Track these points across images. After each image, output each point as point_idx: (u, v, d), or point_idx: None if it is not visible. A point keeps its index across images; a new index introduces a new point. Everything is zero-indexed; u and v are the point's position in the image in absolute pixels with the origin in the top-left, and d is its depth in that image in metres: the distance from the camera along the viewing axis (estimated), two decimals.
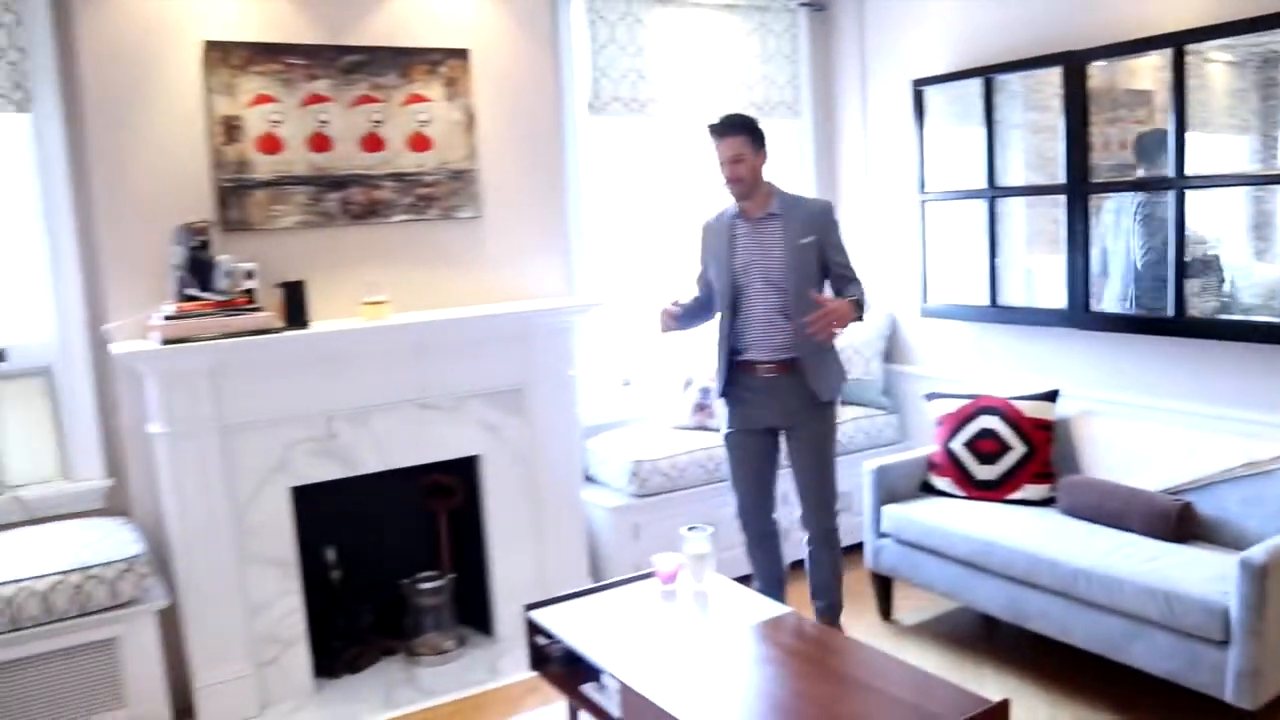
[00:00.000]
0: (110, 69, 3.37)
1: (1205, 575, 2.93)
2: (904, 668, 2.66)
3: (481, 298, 4.05)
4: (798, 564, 3.86)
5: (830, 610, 3.74)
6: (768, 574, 3.76)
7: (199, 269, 3.35)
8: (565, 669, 3.02)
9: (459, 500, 3.96)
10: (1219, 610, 2.80)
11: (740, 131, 3.45)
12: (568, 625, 2.99)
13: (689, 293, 3.72)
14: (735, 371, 3.59)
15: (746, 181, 3.46)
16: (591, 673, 2.89)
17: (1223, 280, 3.64)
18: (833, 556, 3.69)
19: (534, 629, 3.09)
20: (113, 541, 3.26)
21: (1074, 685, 3.39)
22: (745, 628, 2.91)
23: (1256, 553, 2.75)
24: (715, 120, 3.49)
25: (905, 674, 2.61)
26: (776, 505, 3.74)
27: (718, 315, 3.64)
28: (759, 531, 3.72)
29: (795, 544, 3.80)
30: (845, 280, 3.53)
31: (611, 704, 2.76)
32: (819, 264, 3.51)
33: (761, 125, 3.51)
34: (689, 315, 3.61)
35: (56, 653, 3.12)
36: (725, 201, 3.63)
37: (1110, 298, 3.94)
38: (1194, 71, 3.53)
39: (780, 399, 3.54)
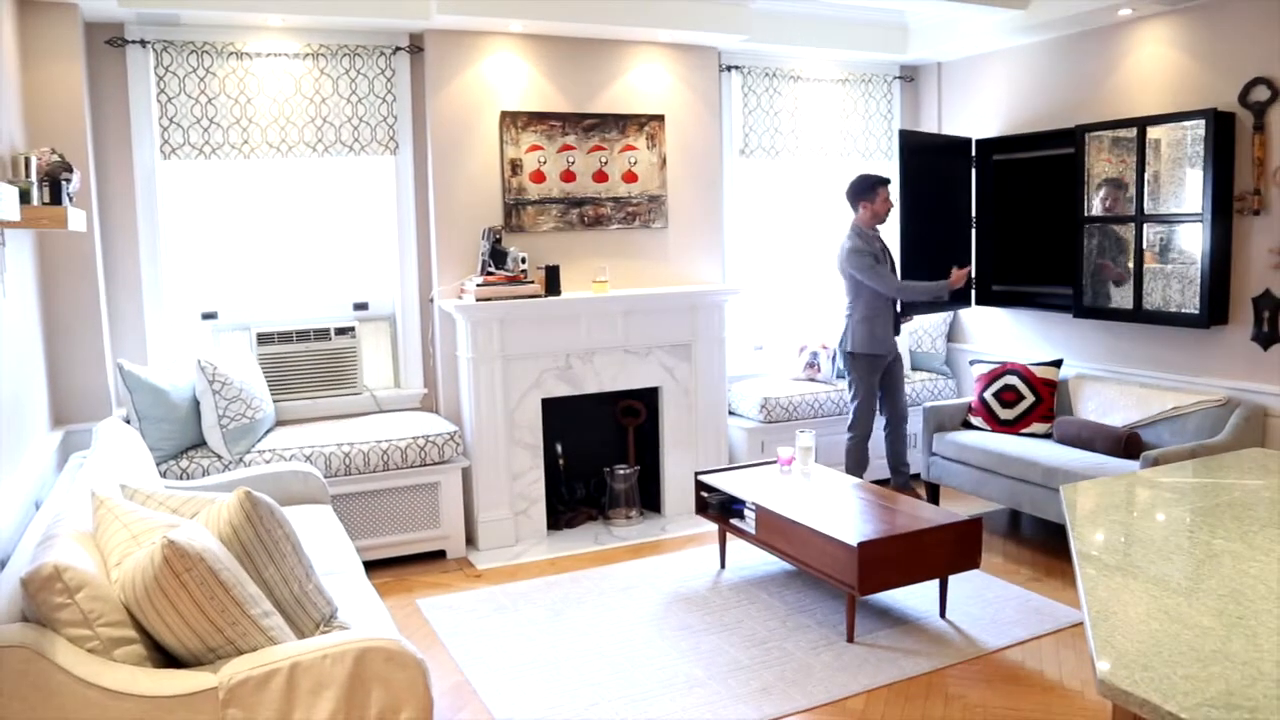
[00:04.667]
0: (445, 128, 5.33)
1: (1128, 470, 4.61)
2: (931, 507, 4.46)
3: (665, 281, 5.89)
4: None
5: (906, 480, 5.66)
6: (863, 463, 5.60)
7: (496, 256, 5.29)
8: (719, 511, 4.86)
9: (643, 418, 5.84)
10: None
11: None
12: (721, 482, 4.83)
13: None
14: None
15: None
16: (735, 512, 4.73)
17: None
18: (903, 433, 5.64)
19: (700, 485, 4.95)
20: (437, 424, 5.21)
21: (1048, 551, 5.11)
22: (835, 487, 4.73)
23: (1151, 453, 4.43)
24: (890, 177, 5.64)
25: (930, 508, 4.41)
26: None
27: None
28: (869, 435, 5.60)
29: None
30: None
31: (749, 525, 4.60)
32: None
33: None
34: None
35: (404, 487, 5.03)
36: (863, 225, 5.55)
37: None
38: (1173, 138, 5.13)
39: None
